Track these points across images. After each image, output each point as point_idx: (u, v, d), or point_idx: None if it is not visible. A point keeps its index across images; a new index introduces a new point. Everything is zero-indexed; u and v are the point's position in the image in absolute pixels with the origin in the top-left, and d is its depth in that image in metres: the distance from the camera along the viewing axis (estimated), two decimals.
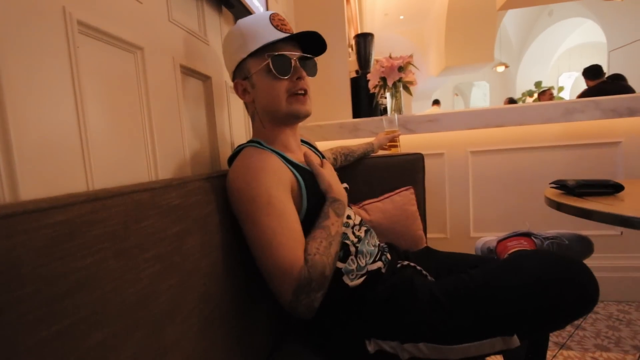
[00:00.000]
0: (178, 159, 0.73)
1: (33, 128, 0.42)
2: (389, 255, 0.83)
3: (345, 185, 0.82)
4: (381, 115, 1.97)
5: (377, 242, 0.82)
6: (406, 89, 1.57)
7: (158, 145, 0.65)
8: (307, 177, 0.71)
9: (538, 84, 8.02)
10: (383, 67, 1.52)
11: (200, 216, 0.58)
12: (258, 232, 0.62)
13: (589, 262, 0.69)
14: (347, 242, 0.73)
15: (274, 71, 0.70)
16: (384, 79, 1.55)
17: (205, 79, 0.88)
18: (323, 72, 1.39)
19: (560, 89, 8.54)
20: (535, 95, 7.61)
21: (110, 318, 0.37)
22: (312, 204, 0.69)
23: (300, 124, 0.81)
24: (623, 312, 1.48)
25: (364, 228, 0.80)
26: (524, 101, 7.90)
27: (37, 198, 0.37)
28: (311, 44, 0.75)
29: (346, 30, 2.00)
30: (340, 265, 0.70)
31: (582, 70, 3.44)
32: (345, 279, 0.70)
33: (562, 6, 6.42)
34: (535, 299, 0.60)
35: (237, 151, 0.74)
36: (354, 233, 0.76)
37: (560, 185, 1.00)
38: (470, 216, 1.74)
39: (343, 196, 0.74)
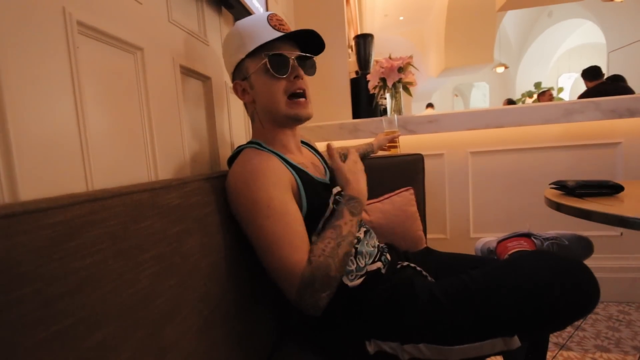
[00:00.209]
0: (178, 160, 0.73)
1: (33, 128, 0.42)
2: (388, 256, 0.82)
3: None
4: (381, 115, 1.97)
5: (377, 243, 0.82)
6: (406, 89, 1.58)
7: (158, 146, 0.65)
8: (305, 178, 0.71)
9: (538, 85, 8.03)
10: (383, 67, 1.52)
11: (200, 216, 0.58)
12: (259, 234, 0.62)
13: (589, 262, 0.69)
14: None
15: (271, 70, 0.70)
16: (383, 80, 1.55)
17: (205, 79, 0.88)
18: (323, 73, 1.39)
19: (560, 89, 8.55)
20: (535, 96, 7.62)
21: (110, 318, 0.37)
22: (314, 204, 0.69)
23: (301, 125, 0.81)
24: (623, 313, 1.48)
25: (363, 229, 0.80)
26: (523, 102, 7.90)
27: (37, 198, 0.37)
28: (309, 44, 0.75)
29: (346, 31, 2.00)
30: None
31: (581, 71, 3.45)
32: (345, 280, 0.70)
33: (562, 7, 6.43)
34: (536, 299, 0.60)
35: (237, 152, 0.74)
36: None
37: (560, 185, 1.00)
38: (470, 217, 1.74)
39: (361, 193, 0.71)
